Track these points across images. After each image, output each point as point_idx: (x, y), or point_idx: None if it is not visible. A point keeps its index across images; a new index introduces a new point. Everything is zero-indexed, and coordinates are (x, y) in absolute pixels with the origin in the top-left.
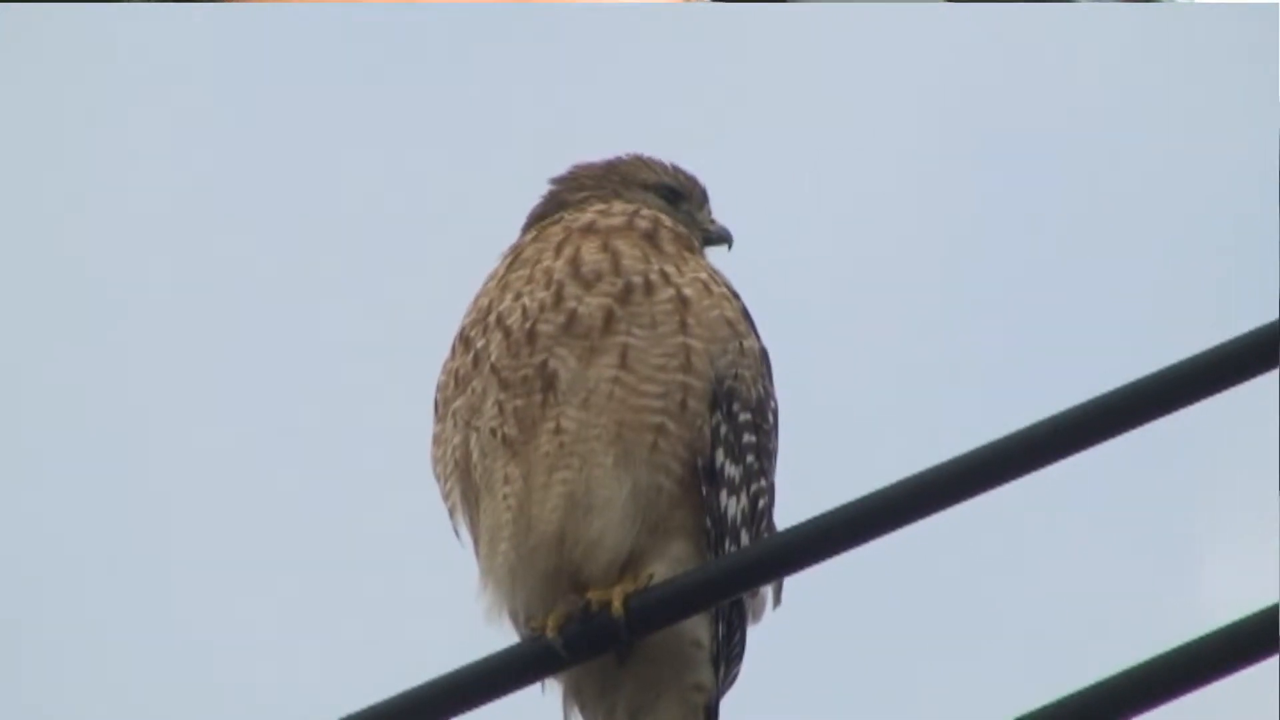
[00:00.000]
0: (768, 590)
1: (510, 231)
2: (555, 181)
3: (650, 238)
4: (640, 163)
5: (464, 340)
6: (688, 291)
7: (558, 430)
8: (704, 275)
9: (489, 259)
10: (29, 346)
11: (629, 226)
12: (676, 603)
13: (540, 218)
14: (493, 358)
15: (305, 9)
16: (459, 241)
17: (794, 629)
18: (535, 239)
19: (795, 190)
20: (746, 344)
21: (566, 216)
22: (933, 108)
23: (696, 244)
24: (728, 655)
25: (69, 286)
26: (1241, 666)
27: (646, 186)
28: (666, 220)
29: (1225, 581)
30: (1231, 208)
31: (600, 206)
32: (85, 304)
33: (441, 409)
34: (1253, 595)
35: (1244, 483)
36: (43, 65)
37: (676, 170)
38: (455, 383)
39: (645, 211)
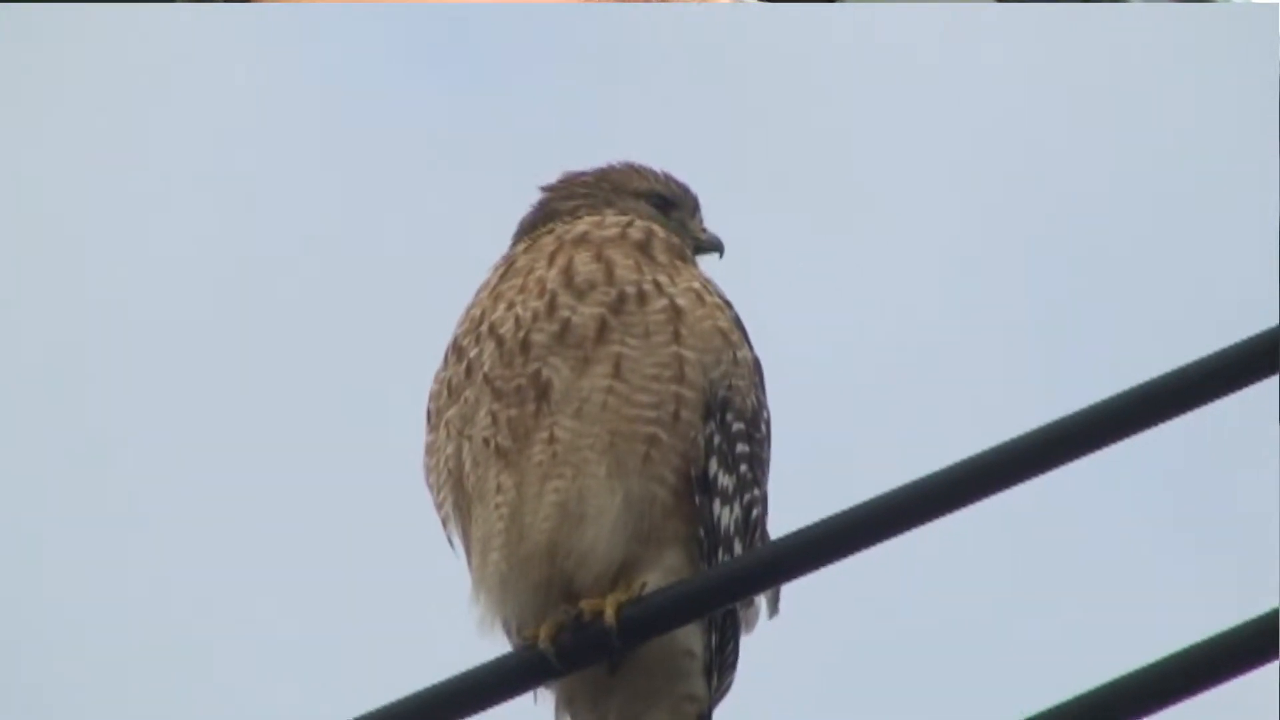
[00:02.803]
0: (761, 599)
1: (503, 241)
2: (546, 189)
3: (643, 248)
4: (632, 171)
5: (457, 350)
6: (681, 301)
7: (551, 440)
8: (697, 285)
9: (481, 269)
10: (26, 345)
11: (622, 237)
12: (669, 612)
13: (531, 226)
14: (485, 367)
15: (323, 9)
16: (451, 251)
17: (787, 638)
18: (528, 249)
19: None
20: (740, 354)
21: (559, 227)
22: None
23: (689, 253)
24: (720, 665)
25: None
26: (1241, 672)
27: (638, 194)
28: (659, 230)
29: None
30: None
31: (594, 218)
32: (83, 307)
33: (434, 418)
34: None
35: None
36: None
37: (668, 178)
38: (448, 392)
39: (639, 222)
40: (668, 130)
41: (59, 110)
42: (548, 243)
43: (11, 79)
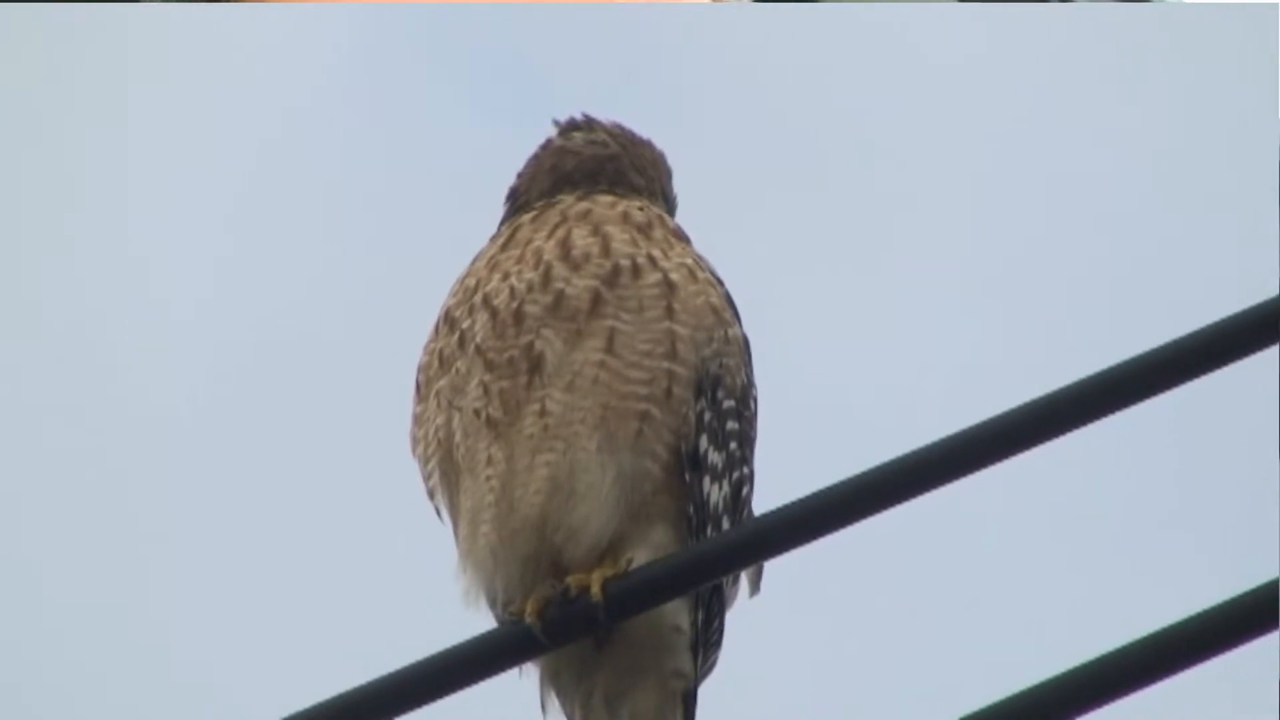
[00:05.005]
0: (744, 578)
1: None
2: (618, 139)
3: (643, 229)
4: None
5: (448, 321)
6: (674, 277)
7: (542, 412)
8: (689, 261)
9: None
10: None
11: (625, 218)
12: (656, 587)
13: (537, 186)
14: (478, 338)
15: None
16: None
17: (773, 615)
18: (534, 218)
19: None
20: (731, 332)
21: (566, 199)
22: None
23: (685, 235)
24: (706, 641)
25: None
26: (1240, 643)
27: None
28: (669, 220)
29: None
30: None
31: (607, 198)
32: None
33: (424, 389)
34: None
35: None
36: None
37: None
38: (439, 362)
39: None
40: (683, 136)
41: (59, 113)
42: (552, 216)
43: (15, 82)
